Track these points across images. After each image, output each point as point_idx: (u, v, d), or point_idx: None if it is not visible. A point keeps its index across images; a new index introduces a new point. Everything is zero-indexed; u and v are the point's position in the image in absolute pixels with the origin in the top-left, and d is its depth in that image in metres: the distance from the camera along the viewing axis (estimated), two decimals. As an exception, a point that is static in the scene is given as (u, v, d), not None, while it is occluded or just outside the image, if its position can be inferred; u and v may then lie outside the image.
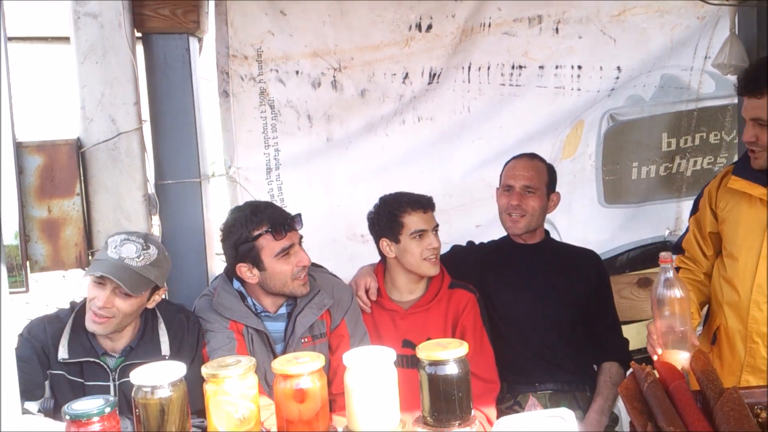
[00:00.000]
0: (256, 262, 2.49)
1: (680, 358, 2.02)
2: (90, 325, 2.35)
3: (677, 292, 2.04)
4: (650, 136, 3.89)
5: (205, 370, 1.65)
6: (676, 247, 2.64)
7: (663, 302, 2.06)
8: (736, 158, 3.71)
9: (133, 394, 1.65)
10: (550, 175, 3.00)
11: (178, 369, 1.66)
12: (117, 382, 2.39)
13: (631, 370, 1.89)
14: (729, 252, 2.43)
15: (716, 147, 3.95)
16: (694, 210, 2.61)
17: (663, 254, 2.05)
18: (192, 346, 2.50)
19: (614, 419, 2.85)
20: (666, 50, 3.71)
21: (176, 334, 2.49)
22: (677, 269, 2.51)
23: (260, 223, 2.48)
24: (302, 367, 1.63)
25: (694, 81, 3.81)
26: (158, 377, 1.63)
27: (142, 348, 2.44)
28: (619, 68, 3.69)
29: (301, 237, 2.56)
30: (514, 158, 3.03)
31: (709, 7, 3.53)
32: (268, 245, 2.48)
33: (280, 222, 2.49)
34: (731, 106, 3.82)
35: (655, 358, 2.11)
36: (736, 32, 3.19)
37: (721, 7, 3.42)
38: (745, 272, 2.36)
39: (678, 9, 3.60)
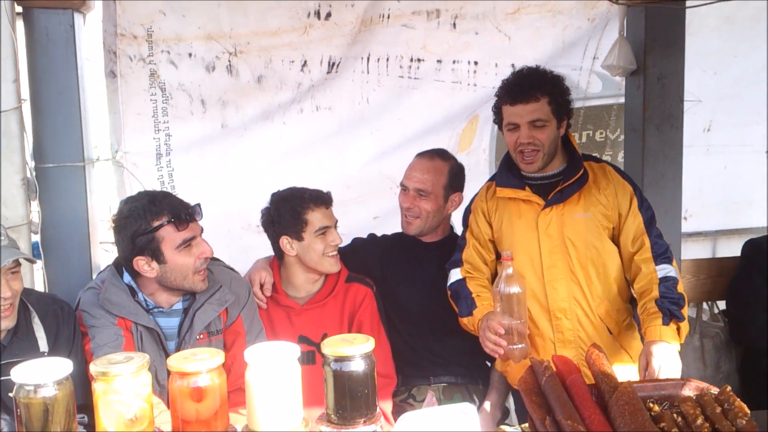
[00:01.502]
0: (156, 255, 2.34)
1: (524, 351, 2.34)
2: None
3: (518, 288, 2.32)
4: (540, 132, 4.00)
5: (95, 368, 1.53)
6: (453, 262, 2.78)
7: (506, 298, 2.31)
8: (620, 157, 3.89)
9: (14, 393, 1.52)
10: (451, 176, 2.92)
11: (63, 366, 1.54)
12: None
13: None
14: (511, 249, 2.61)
15: (602, 144, 4.12)
16: (466, 227, 2.79)
17: (505, 253, 2.35)
18: (69, 339, 2.35)
19: (505, 412, 2.91)
20: (558, 50, 3.82)
21: (51, 327, 2.33)
22: (464, 279, 2.69)
23: (160, 213, 2.33)
24: (200, 365, 1.55)
25: (582, 80, 3.95)
26: (42, 375, 1.51)
27: (17, 345, 2.25)
28: (513, 66, 3.74)
29: (202, 228, 2.44)
30: (419, 155, 2.97)
31: (599, 10, 3.67)
32: (169, 236, 2.34)
33: (181, 212, 2.36)
34: (617, 105, 3.99)
35: (501, 352, 2.35)
36: (625, 35, 3.32)
37: (611, 9, 3.55)
38: (531, 261, 2.60)
39: (570, 10, 3.72)
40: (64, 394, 1.51)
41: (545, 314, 2.61)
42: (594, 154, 2.80)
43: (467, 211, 2.82)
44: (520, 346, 2.35)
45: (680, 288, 2.50)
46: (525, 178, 2.65)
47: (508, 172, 2.68)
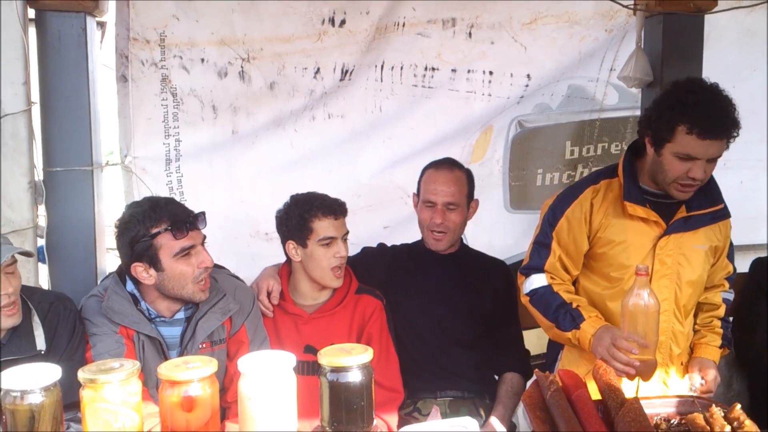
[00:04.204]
0: (154, 262, 2.32)
1: (655, 366, 2.19)
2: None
3: (656, 303, 2.10)
4: (555, 143, 3.95)
5: (83, 375, 1.49)
6: (535, 268, 2.61)
7: (643, 314, 2.10)
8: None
9: (0, 398, 1.49)
10: (469, 184, 2.92)
11: (52, 372, 1.50)
12: None
13: (533, 378, 1.87)
14: (620, 272, 2.51)
15: (617, 157, 4.03)
16: (550, 231, 2.59)
17: (640, 267, 2.09)
18: (67, 336, 2.32)
19: (512, 427, 2.85)
20: (574, 61, 3.77)
21: (51, 324, 2.31)
22: (550, 286, 2.55)
23: (159, 220, 2.31)
24: (191, 373, 1.50)
25: (599, 92, 3.90)
26: (29, 381, 1.47)
27: (15, 343, 2.24)
28: (528, 76, 3.73)
29: (204, 237, 2.41)
30: (434, 166, 2.92)
31: (617, 21, 3.61)
32: (167, 244, 2.31)
33: (182, 219, 2.33)
34: (632, 117, 3.92)
35: (633, 372, 2.17)
36: (642, 46, 3.26)
37: (629, 21, 3.50)
38: None
39: (587, 20, 3.67)
40: (51, 401, 1.47)
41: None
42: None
43: (555, 215, 2.59)
44: (649, 361, 2.17)
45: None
46: (645, 193, 2.48)
47: (635, 186, 2.48)
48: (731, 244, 2.63)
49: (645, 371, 2.18)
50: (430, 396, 2.85)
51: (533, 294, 2.58)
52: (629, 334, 2.14)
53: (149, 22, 3.18)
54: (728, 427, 1.63)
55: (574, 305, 2.44)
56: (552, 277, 2.57)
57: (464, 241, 3.08)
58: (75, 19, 2.87)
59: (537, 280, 2.58)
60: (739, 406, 1.68)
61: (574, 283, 2.63)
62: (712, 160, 2.33)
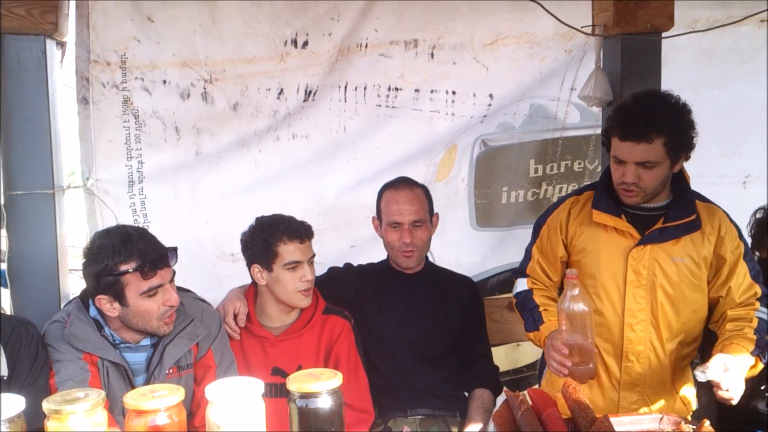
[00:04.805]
0: (119, 297, 2.26)
1: (590, 371, 2.17)
2: None
3: (585, 307, 2.14)
4: (519, 162, 4.00)
5: (47, 405, 1.46)
6: (520, 272, 2.69)
7: (573, 316, 2.15)
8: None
9: None
10: (428, 199, 2.94)
11: (15, 403, 1.47)
12: None
13: (503, 398, 1.88)
14: (592, 280, 2.53)
15: (580, 174, 4.11)
16: (535, 239, 2.67)
17: (570, 271, 2.15)
18: (30, 361, 2.26)
19: (484, 442, 2.86)
20: (535, 81, 3.82)
21: (13, 350, 2.24)
22: (531, 291, 2.59)
23: (129, 258, 2.24)
24: (158, 402, 1.48)
25: (560, 111, 3.96)
26: (-9, 414, 1.44)
27: None
28: (491, 95, 3.77)
29: (173, 273, 2.35)
30: (392, 187, 2.93)
31: (576, 41, 3.68)
32: (135, 282, 2.25)
33: (152, 259, 2.26)
34: (594, 136, 3.99)
35: (565, 372, 2.17)
36: (601, 66, 3.33)
37: (588, 41, 3.56)
38: (611, 297, 2.49)
39: (547, 41, 3.72)
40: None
41: (617, 354, 2.50)
42: (698, 192, 2.60)
43: (540, 222, 2.67)
44: (586, 366, 2.19)
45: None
46: (622, 204, 2.49)
47: (607, 196, 2.51)
48: (754, 266, 2.49)
49: (578, 374, 2.20)
50: (401, 415, 2.84)
51: (516, 297, 2.66)
52: (566, 337, 2.18)
53: (110, 44, 3.15)
54: (697, 443, 1.64)
55: (541, 309, 2.50)
56: (534, 282, 2.63)
57: (430, 259, 3.09)
58: (34, 42, 2.84)
59: (520, 284, 2.67)
60: (707, 423, 1.70)
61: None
62: (645, 165, 2.33)
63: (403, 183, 2.94)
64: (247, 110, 3.44)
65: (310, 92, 3.51)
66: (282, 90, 3.46)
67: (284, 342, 2.68)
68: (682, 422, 1.76)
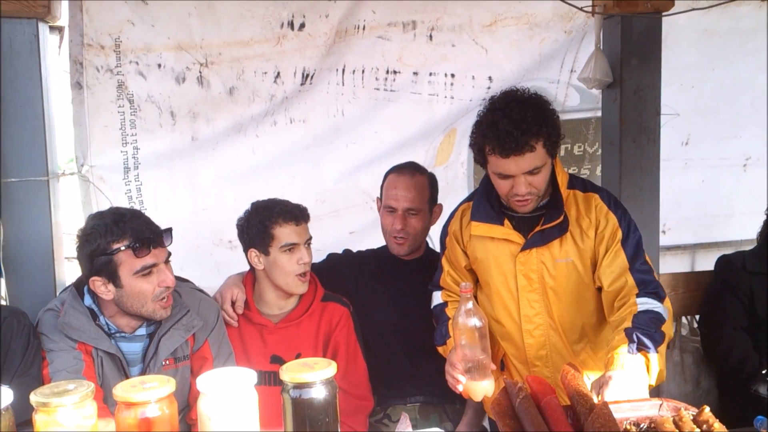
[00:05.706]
0: (113, 278, 2.23)
1: (485, 387, 2.09)
2: None
3: (477, 321, 2.04)
4: (519, 145, 3.95)
5: (35, 398, 1.44)
6: (435, 285, 2.62)
7: (465, 331, 2.06)
8: (599, 170, 3.83)
9: None
10: (431, 189, 2.89)
11: (3, 396, 1.45)
12: None
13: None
14: (488, 288, 2.49)
15: (580, 158, 4.08)
16: (443, 248, 2.59)
17: (463, 285, 2.05)
18: (21, 350, 2.23)
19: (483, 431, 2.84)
20: (535, 62, 3.78)
21: (4, 340, 2.22)
22: (446, 303, 2.54)
23: (121, 236, 2.21)
24: (149, 394, 1.46)
25: (560, 94, 3.91)
26: (-21, 407, 1.42)
27: None
28: (490, 78, 3.73)
29: (168, 254, 2.32)
30: (395, 171, 2.88)
31: (576, 22, 3.63)
32: (128, 261, 2.22)
33: (145, 237, 2.23)
34: (594, 118, 3.94)
35: (460, 388, 2.14)
36: (601, 48, 3.28)
37: (588, 22, 3.52)
38: (507, 305, 2.43)
39: (546, 22, 3.68)
40: (5, 424, 1.42)
41: (522, 360, 2.47)
42: (582, 176, 2.48)
43: (444, 232, 2.59)
44: (482, 382, 2.10)
45: (665, 327, 2.15)
46: (504, 208, 2.39)
47: (486, 203, 2.41)
48: (633, 253, 2.30)
49: (473, 390, 2.12)
50: (399, 402, 2.83)
51: (433, 311, 2.60)
52: (461, 352, 2.10)
53: (103, 27, 3.11)
54: (697, 430, 1.63)
55: (450, 323, 2.43)
56: (448, 295, 2.57)
57: (430, 245, 3.06)
58: (26, 25, 2.81)
59: (435, 298, 2.61)
60: (707, 409, 1.68)
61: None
62: (532, 172, 2.22)
63: (406, 169, 2.89)
64: (243, 94, 3.41)
65: (308, 75, 3.47)
66: (279, 73, 3.43)
67: (283, 330, 2.66)
68: (682, 408, 1.73)
